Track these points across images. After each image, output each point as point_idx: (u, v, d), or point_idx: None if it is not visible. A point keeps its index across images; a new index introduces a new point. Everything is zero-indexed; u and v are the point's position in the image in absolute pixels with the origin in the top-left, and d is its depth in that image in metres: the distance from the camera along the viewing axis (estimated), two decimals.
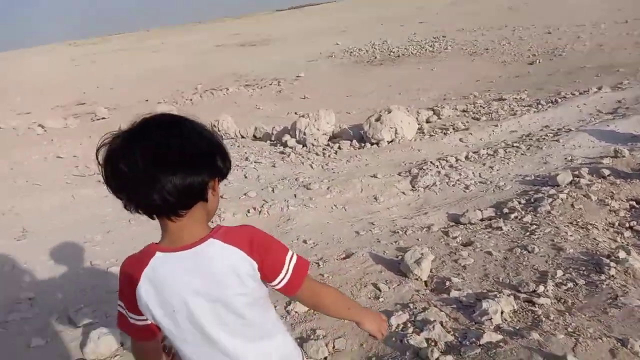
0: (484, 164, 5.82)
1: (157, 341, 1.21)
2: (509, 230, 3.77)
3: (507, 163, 5.77)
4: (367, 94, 12.94)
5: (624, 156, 5.32)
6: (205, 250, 1.06)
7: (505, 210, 4.33)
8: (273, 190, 5.54)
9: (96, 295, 3.37)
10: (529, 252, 3.27)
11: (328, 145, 7.86)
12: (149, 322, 1.14)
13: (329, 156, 7.02)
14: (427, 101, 11.45)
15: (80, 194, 5.88)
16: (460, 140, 7.29)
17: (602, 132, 6.39)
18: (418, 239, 3.80)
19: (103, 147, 1.03)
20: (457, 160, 6.05)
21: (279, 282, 1.11)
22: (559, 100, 8.80)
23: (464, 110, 9.35)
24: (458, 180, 5.38)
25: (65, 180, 6.74)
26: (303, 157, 7.10)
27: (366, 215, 4.62)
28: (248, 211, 4.91)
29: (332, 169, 6.32)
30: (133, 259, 1.13)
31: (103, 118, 13.84)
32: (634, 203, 4.13)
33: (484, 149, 6.40)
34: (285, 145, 8.23)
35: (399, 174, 5.76)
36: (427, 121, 8.72)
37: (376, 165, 6.38)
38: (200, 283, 1.06)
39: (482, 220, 4.28)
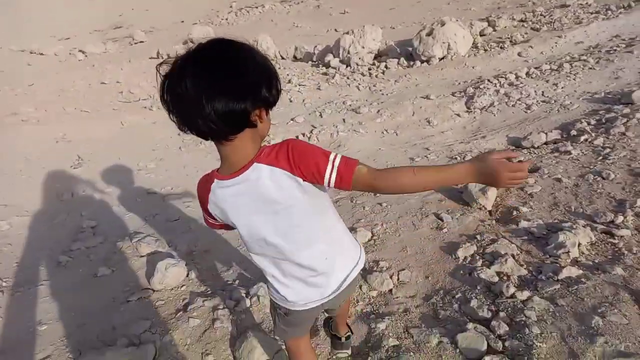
0: (547, 81, 5.39)
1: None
2: (578, 154, 3.51)
3: (574, 79, 5.32)
4: (413, 4, 12.11)
5: None
6: (251, 175, 1.12)
7: (573, 132, 4.02)
8: (321, 115, 5.37)
9: (157, 224, 3.43)
10: (603, 178, 3.03)
11: (374, 64, 7.48)
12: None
13: (376, 76, 6.69)
14: (479, 10, 10.61)
15: (129, 121, 5.91)
16: (519, 54, 6.75)
17: None
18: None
19: (164, 65, 1.06)
20: (517, 77, 5.62)
21: (329, 181, 1.12)
22: (632, 4, 7.89)
23: (522, 20, 8.60)
24: (519, 99, 5.02)
25: (112, 106, 6.78)
26: (348, 78, 6.80)
27: (420, 140, 4.42)
28: (297, 137, 4.80)
29: (381, 90, 6.04)
30: (202, 181, 1.24)
31: (141, 42, 13.69)
32: None
33: (546, 64, 5.91)
34: (328, 65, 7.90)
35: (453, 95, 5.44)
36: (481, 34, 8.10)
37: (427, 85, 6.03)
38: (253, 204, 1.15)
39: (546, 143, 4.01)
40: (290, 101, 6.14)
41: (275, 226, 1.19)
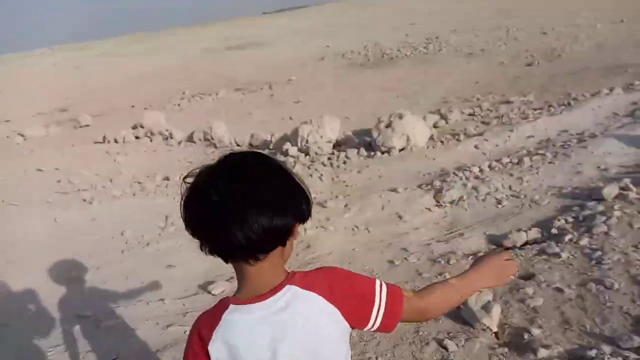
0: (511, 175, 5.30)
1: None
2: (569, 257, 3.23)
3: (537, 173, 5.26)
4: (364, 97, 12.42)
5: None
6: (282, 300, 0.95)
7: (554, 230, 3.79)
8: None
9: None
10: (606, 287, 2.73)
11: (333, 153, 7.29)
12: None
13: (337, 167, 6.44)
14: (427, 104, 10.97)
15: (63, 217, 5.22)
16: (476, 147, 6.78)
17: (631, 138, 5.91)
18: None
19: (189, 178, 0.97)
20: (480, 170, 5.52)
21: (373, 326, 1.00)
22: (571, 102, 8.34)
23: (471, 114, 8.88)
24: (488, 193, 4.85)
25: (46, 198, 6.06)
26: (309, 167, 6.51)
27: (394, 238, 4.06)
28: None
29: (344, 181, 5.75)
30: (205, 315, 1.01)
31: (87, 125, 13.11)
32: None
33: (506, 157, 5.88)
34: (286, 154, 7.64)
35: (420, 187, 5.21)
36: (435, 126, 8.21)
37: (391, 176, 5.82)
38: (276, 337, 0.94)
39: (528, 243, 3.75)
40: None
41: None
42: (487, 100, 10.17)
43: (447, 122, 8.45)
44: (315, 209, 4.71)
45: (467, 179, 5.27)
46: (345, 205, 4.72)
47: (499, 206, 4.59)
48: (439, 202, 4.86)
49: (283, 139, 8.28)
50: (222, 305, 0.98)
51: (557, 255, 3.30)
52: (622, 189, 4.30)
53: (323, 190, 5.43)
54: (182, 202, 0.95)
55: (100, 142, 10.52)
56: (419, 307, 1.04)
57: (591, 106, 7.87)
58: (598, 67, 10.92)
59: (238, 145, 9.00)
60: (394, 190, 5.08)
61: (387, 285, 1.03)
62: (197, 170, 0.97)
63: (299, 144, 7.67)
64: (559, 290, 2.78)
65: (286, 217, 0.94)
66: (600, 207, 4.02)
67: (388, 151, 6.73)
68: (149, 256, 4.19)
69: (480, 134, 7.29)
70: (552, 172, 5.26)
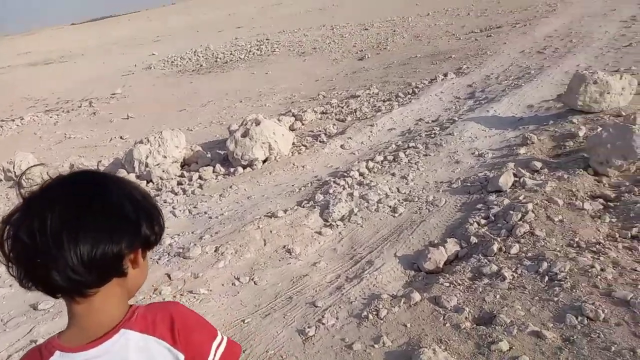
0: (393, 174, 4.63)
1: None
2: (515, 277, 2.55)
3: (417, 169, 4.68)
4: (204, 105, 11.01)
5: (533, 142, 4.65)
6: (116, 347, 0.79)
7: (473, 239, 3.13)
8: None
9: None
10: (591, 319, 2.06)
11: (183, 176, 5.89)
12: None
13: (192, 193, 5.09)
14: (275, 107, 10.06)
15: None
16: (342, 147, 6.05)
17: (487, 119, 5.78)
18: (406, 326, 2.33)
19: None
20: (361, 174, 4.75)
21: None
22: (416, 91, 8.22)
23: (324, 112, 8.21)
24: (379, 201, 4.07)
25: None
26: (156, 199, 5.03)
27: (292, 287, 2.98)
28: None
29: (206, 212, 4.46)
30: (29, 357, 0.82)
31: None
32: (602, 201, 3.32)
33: (379, 155, 5.24)
34: None
35: (301, 205, 4.22)
36: (292, 128, 7.31)
37: (262, 195, 4.71)
38: None
39: (452, 262, 3.02)
40: None
41: None
42: (333, 96, 9.68)
43: (303, 124, 7.63)
44: (175, 264, 3.38)
45: (350, 186, 4.44)
46: (216, 250, 3.47)
47: (396, 215, 3.84)
48: (327, 221, 3.92)
49: (115, 165, 6.55)
50: (47, 350, 0.79)
51: (499, 275, 2.60)
52: (515, 175, 3.87)
53: (180, 230, 4.07)
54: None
55: None
56: None
57: (434, 92, 7.82)
58: (423, 55, 11.25)
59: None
60: (272, 215, 4.00)
61: (228, 342, 0.92)
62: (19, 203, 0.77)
63: (136, 169, 6.07)
64: (538, 335, 2.03)
65: (117, 243, 0.76)
66: (506, 200, 3.51)
67: (250, 164, 5.60)
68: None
69: (342, 132, 6.60)
70: (432, 165, 4.74)
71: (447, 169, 4.61)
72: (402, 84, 9.16)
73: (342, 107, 8.30)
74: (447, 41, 12.27)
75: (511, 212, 3.26)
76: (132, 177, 6.03)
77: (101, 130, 10.14)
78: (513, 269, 2.61)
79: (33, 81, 18.34)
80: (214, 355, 0.89)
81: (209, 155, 6.38)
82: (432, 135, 5.59)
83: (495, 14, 14.26)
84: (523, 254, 2.76)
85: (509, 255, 2.80)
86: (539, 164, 4.02)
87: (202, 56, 17.32)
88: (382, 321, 2.40)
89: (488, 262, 2.76)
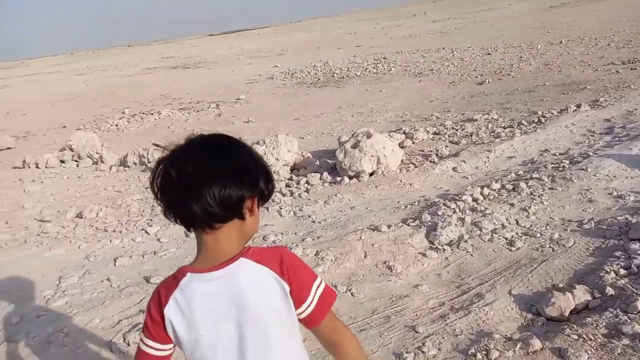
0: (511, 204, 4.18)
1: None
2: None
3: (541, 202, 4.17)
4: (317, 116, 11.21)
5: None
6: (236, 271, 0.95)
7: (610, 291, 2.64)
8: None
9: None
10: None
11: (291, 179, 5.95)
12: (165, 353, 1.01)
13: (299, 196, 5.09)
14: (386, 123, 9.90)
15: None
16: (454, 169, 5.68)
17: (629, 158, 5.02)
18: None
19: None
20: (474, 199, 4.37)
21: (304, 311, 0.99)
22: (542, 120, 7.51)
23: (436, 133, 7.84)
24: (493, 231, 3.68)
25: None
26: None
27: (391, 306, 2.76)
28: None
29: (310, 215, 4.41)
30: (165, 282, 1.01)
31: (8, 148, 11.03)
32: None
33: (495, 183, 4.79)
34: None
35: (406, 224, 3.97)
36: (401, 146, 7.07)
37: (366, 208, 4.55)
38: (229, 305, 0.94)
39: (580, 312, 2.56)
40: (187, 235, 4.24)
41: (244, 339, 0.95)
42: (447, 118, 9.25)
43: (413, 142, 7.36)
44: None
45: (461, 211, 4.09)
46: (317, 254, 3.37)
47: (513, 248, 3.42)
48: (433, 244, 3.63)
49: None
50: (179, 274, 0.98)
51: None
52: None
53: (284, 229, 4.05)
54: (150, 176, 0.96)
55: (20, 168, 8.62)
56: (337, 326, 1.03)
57: (564, 123, 7.07)
58: (553, 84, 10.33)
59: None
60: (376, 228, 3.81)
61: (326, 286, 1.01)
62: (165, 152, 0.97)
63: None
64: None
65: (240, 189, 0.94)
66: None
67: (357, 176, 5.48)
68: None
69: (455, 155, 6.22)
70: (558, 201, 4.20)
71: (577, 207, 4.04)
72: (526, 112, 8.46)
73: (457, 130, 7.87)
74: (582, 71, 11.16)
75: None
76: None
77: (224, 130, 10.79)
78: None
79: (172, 82, 20.32)
80: (314, 293, 0.99)
81: (317, 162, 6.39)
82: (561, 169, 4.99)
83: None
84: None
85: None
86: None
87: (320, 70, 17.80)
88: None
89: (629, 321, 2.28)
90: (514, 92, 10.39)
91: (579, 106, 7.81)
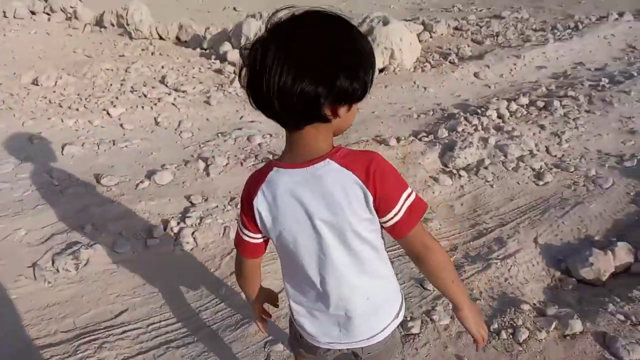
0: (542, 127, 3.54)
1: (257, 258, 1.08)
2: None
3: (576, 127, 3.55)
4: None
5: None
6: (319, 170, 0.90)
7: None
8: (207, 164, 2.95)
9: None
10: None
11: None
12: (259, 240, 1.03)
13: None
14: (399, 9, 8.74)
15: None
16: (476, 75, 4.91)
17: None
18: None
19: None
20: (499, 115, 3.71)
21: (390, 220, 0.92)
22: (579, 26, 6.53)
23: (457, 28, 6.84)
24: (520, 158, 3.10)
25: None
26: None
27: (391, 248, 2.25)
28: (150, 232, 2.36)
29: None
30: (255, 173, 1.00)
31: None
32: None
33: (523, 97, 4.10)
34: (224, 59, 5.37)
35: (418, 138, 3.36)
36: (419, 39, 6.14)
37: (372, 112, 3.89)
38: (310, 203, 0.91)
39: (619, 275, 2.10)
40: (156, 124, 3.58)
41: (324, 238, 0.92)
42: (471, 12, 8.12)
43: (431, 36, 6.41)
44: None
45: (484, 129, 3.46)
46: None
47: (540, 183, 2.88)
48: (447, 167, 3.06)
49: (221, 37, 5.92)
50: (267, 167, 0.96)
51: None
52: None
53: (274, 130, 3.41)
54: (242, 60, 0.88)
55: None
56: (425, 238, 0.95)
57: (602, 33, 6.13)
58: None
59: (162, 38, 6.49)
60: (383, 141, 3.20)
61: (417, 196, 0.94)
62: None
63: (242, 44, 5.38)
64: None
65: (321, 88, 0.80)
66: None
67: None
68: None
69: (479, 57, 5.38)
70: (596, 128, 3.57)
71: (617, 137, 3.44)
72: (561, 15, 7.39)
73: (481, 27, 6.87)
74: None
75: None
76: (235, 53, 5.39)
77: None
78: None
79: None
80: (402, 203, 0.91)
81: None
82: (599, 88, 4.27)
83: None
84: None
85: None
86: None
87: None
88: (520, 349, 1.64)
89: None
90: None
91: (621, 14, 6.78)
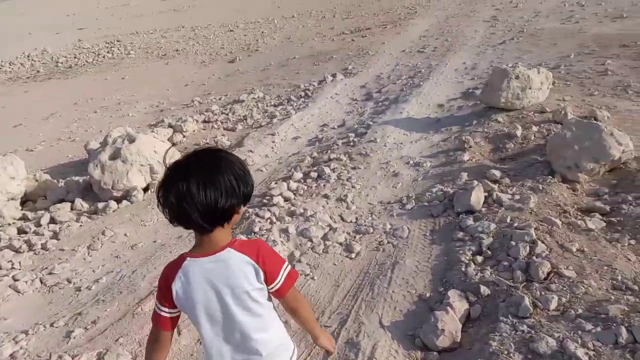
0: (325, 196, 3.56)
1: (173, 330, 1.31)
2: (594, 358, 1.69)
3: (352, 186, 3.70)
4: (47, 118, 8.68)
5: (471, 146, 4.02)
6: (223, 257, 1.20)
7: (484, 290, 2.23)
8: None
9: None
10: None
11: (26, 219, 4.04)
12: (174, 314, 1.27)
13: (44, 248, 3.37)
14: (139, 116, 8.28)
15: None
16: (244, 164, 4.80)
17: (403, 122, 5.06)
18: None
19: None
20: (285, 199, 3.59)
21: (274, 286, 1.25)
22: (308, 93, 7.28)
23: (206, 121, 6.79)
24: (324, 237, 2.98)
25: None
26: None
27: None
28: None
29: (71, 280, 2.86)
30: (171, 263, 1.26)
31: None
32: (599, 216, 2.70)
33: (295, 171, 4.13)
34: None
35: None
36: (172, 142, 5.80)
37: (153, 241, 3.26)
38: (217, 280, 1.20)
39: (467, 326, 2.08)
40: None
41: (226, 305, 1.21)
42: (212, 102, 8.26)
43: (184, 136, 6.14)
44: None
45: (279, 219, 3.25)
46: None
47: (353, 255, 2.79)
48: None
49: None
50: (181, 258, 1.23)
51: (568, 354, 1.71)
52: (487, 192, 3.11)
53: (27, 318, 2.46)
54: (156, 191, 1.18)
55: None
56: (297, 296, 1.33)
57: (328, 94, 6.96)
58: (302, 56, 10.38)
59: None
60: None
61: (292, 268, 1.30)
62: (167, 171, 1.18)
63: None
64: None
65: (229, 204, 1.16)
66: (491, 225, 2.71)
67: (126, 196, 4.03)
68: None
69: (239, 145, 5.34)
70: (367, 181, 3.80)
71: (387, 184, 3.71)
72: (289, 87, 8.15)
73: (228, 114, 6.97)
74: (321, 42, 11.61)
75: (512, 242, 2.45)
76: None
77: None
78: (579, 341, 1.76)
79: None
80: (282, 273, 1.26)
81: (62, 184, 4.57)
82: (352, 144, 4.67)
83: (360, 17, 14.10)
84: (572, 311, 1.93)
85: (553, 315, 1.95)
86: (497, 173, 3.33)
87: (39, 61, 14.18)
88: None
89: (532, 330, 1.86)
90: (269, 68, 10.05)
91: (334, 75, 7.88)
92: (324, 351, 1.62)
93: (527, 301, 2.01)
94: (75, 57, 14.10)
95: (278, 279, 1.23)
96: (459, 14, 11.09)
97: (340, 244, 2.91)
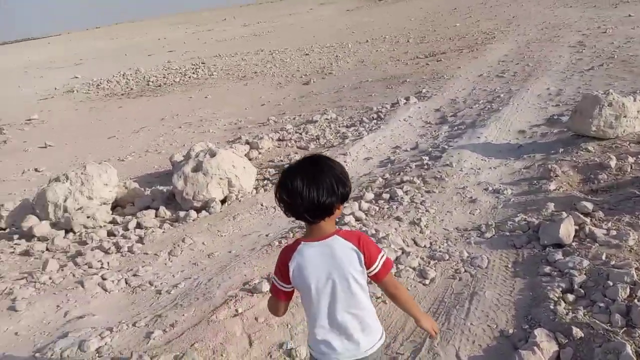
0: (398, 219, 3.47)
1: (288, 302, 1.56)
2: None
3: (426, 210, 3.57)
4: (137, 131, 9.35)
5: (557, 175, 3.74)
6: (331, 242, 1.42)
7: (577, 332, 2.02)
8: None
9: None
10: None
11: (115, 223, 4.34)
12: (289, 289, 1.50)
13: (130, 251, 3.59)
14: (219, 132, 8.67)
15: None
16: None
17: (481, 147, 4.85)
18: None
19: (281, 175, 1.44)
20: (356, 219, 3.55)
21: (372, 270, 1.44)
22: (381, 115, 7.24)
23: (281, 139, 6.96)
24: (397, 260, 2.88)
25: None
26: (78, 265, 3.48)
27: None
28: None
29: (152, 282, 3.00)
30: (288, 246, 1.49)
31: None
32: None
33: (367, 192, 4.08)
34: (30, 236, 4.29)
35: None
36: (248, 158, 5.98)
37: (228, 251, 3.35)
38: (326, 262, 1.42)
39: None
40: None
41: (334, 286, 1.41)
42: (286, 121, 8.48)
43: (259, 152, 6.33)
44: None
45: None
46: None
47: (427, 282, 2.67)
48: None
49: (23, 209, 4.82)
50: (296, 242, 1.45)
51: None
52: (578, 225, 2.86)
53: (112, 316, 2.59)
54: (275, 188, 1.42)
55: None
56: (395, 282, 1.55)
57: (401, 117, 6.88)
58: (374, 79, 10.41)
59: None
60: (254, 289, 2.66)
61: (387, 257, 1.48)
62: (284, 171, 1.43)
63: (50, 214, 4.42)
64: None
65: (330, 200, 1.36)
66: (584, 261, 2.46)
67: (205, 206, 4.20)
68: None
69: None
70: (442, 206, 3.65)
71: (464, 210, 3.55)
72: (361, 109, 8.17)
73: (301, 134, 7.11)
74: (395, 66, 11.58)
75: (609, 282, 2.21)
76: (45, 225, 4.37)
77: (11, 162, 8.13)
78: None
79: None
80: (379, 260, 1.45)
81: (148, 192, 4.86)
82: (426, 167, 4.55)
83: (435, 41, 13.92)
84: None
85: None
86: (589, 205, 3.06)
87: (132, 79, 15.45)
88: None
89: None
90: (342, 90, 10.16)
91: (407, 99, 7.79)
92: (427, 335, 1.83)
93: (629, 349, 1.79)
94: (164, 77, 15.21)
95: (376, 263, 1.43)
96: (541, 38, 10.58)
97: (414, 268, 2.80)
